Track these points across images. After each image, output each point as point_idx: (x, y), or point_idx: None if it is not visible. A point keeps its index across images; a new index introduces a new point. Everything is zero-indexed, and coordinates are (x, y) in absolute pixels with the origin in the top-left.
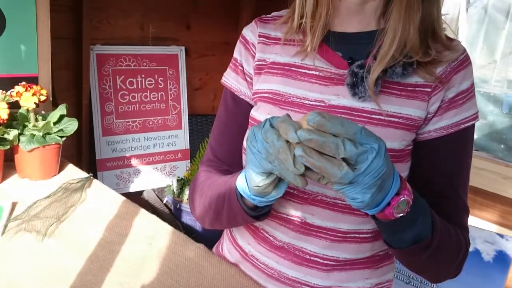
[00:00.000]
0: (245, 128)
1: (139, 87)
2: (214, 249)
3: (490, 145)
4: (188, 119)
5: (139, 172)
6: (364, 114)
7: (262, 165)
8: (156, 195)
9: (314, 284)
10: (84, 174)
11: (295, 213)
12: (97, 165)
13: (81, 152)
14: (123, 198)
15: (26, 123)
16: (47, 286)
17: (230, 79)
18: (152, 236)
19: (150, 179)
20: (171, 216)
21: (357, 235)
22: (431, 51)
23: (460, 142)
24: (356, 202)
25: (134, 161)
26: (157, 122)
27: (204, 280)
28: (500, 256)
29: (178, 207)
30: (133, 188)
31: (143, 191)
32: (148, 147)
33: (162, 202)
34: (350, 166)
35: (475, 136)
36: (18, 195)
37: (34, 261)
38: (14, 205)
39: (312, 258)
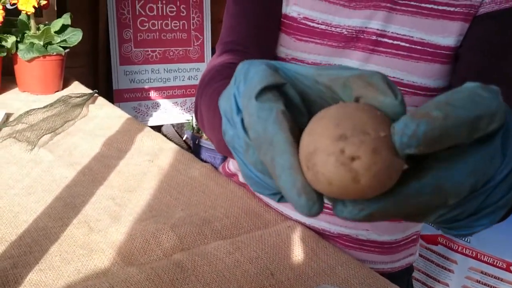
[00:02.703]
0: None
1: (160, 13)
2: (220, 168)
3: None
4: (212, 52)
5: (158, 106)
6: (412, 3)
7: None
8: (175, 130)
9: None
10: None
11: None
12: (114, 96)
13: (98, 81)
14: (128, 115)
15: (26, 31)
16: (30, 196)
17: None
18: (154, 153)
19: (169, 113)
20: (190, 152)
21: None
22: None
23: None
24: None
25: (153, 94)
26: (178, 53)
27: (207, 199)
28: None
29: (197, 143)
30: (151, 122)
31: (161, 125)
32: (168, 80)
33: (182, 138)
34: None
35: None
36: (15, 107)
37: (20, 169)
38: (8, 116)
39: None
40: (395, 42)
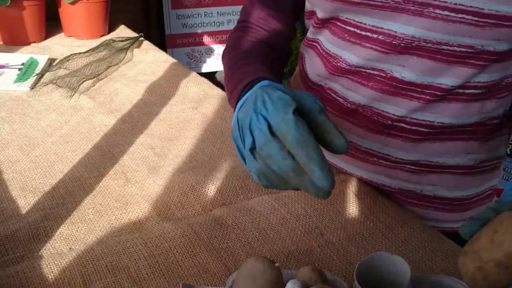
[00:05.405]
0: None
1: None
2: None
3: None
4: None
5: (211, 51)
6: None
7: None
8: None
9: (396, 157)
10: None
11: (378, 65)
12: (167, 41)
13: (150, 26)
14: (174, 60)
15: None
16: (67, 144)
17: None
18: (199, 100)
19: None
20: None
21: (463, 91)
22: None
23: None
24: None
25: (206, 39)
26: None
27: None
28: None
29: None
30: (205, 68)
31: (216, 72)
32: (222, 24)
33: None
34: None
35: None
36: (59, 52)
37: (59, 117)
38: (51, 61)
39: (395, 123)
40: None
